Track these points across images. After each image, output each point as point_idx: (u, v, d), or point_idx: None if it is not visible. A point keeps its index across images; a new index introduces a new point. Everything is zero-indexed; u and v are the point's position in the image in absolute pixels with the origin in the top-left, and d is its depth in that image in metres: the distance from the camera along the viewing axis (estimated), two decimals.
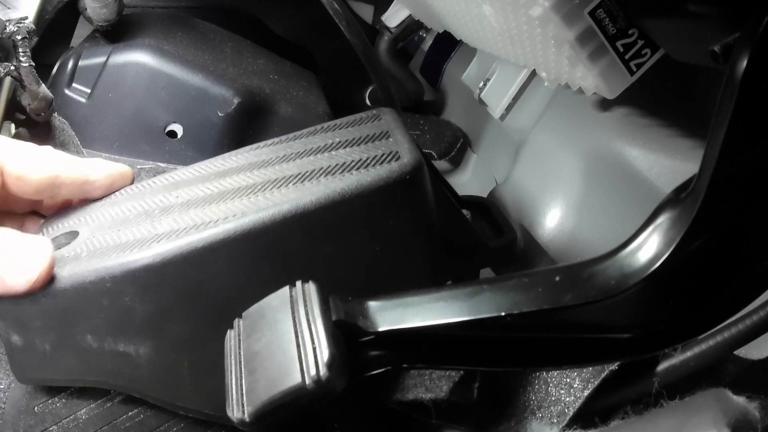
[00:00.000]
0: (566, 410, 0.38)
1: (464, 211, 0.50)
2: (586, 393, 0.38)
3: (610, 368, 0.38)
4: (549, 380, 0.40)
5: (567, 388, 0.39)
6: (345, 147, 0.41)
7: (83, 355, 0.36)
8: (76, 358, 0.37)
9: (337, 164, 0.39)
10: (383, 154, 0.38)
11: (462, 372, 0.37)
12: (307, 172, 0.38)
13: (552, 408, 0.39)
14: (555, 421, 0.38)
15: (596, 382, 0.38)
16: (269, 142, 0.44)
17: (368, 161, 0.38)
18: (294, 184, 0.37)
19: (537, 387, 0.40)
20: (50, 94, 0.55)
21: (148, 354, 0.36)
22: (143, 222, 0.38)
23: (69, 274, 0.35)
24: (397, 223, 0.38)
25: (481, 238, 0.47)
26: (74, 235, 0.39)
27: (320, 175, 0.38)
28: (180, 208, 0.38)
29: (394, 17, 0.78)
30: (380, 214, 0.37)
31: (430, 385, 0.37)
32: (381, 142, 0.40)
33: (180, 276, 0.34)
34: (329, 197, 0.36)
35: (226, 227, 0.34)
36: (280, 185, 0.38)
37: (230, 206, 0.36)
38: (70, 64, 0.61)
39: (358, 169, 0.37)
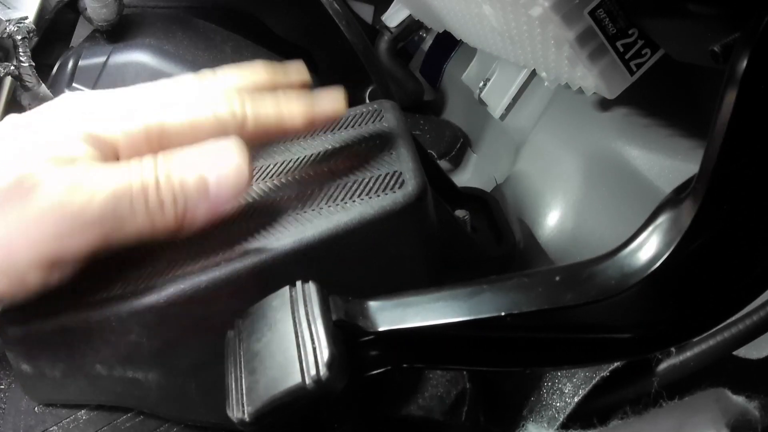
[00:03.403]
0: (557, 415, 0.38)
1: (463, 211, 0.50)
2: (577, 399, 0.38)
3: (602, 375, 0.38)
4: (541, 385, 0.40)
5: (559, 394, 0.39)
6: (345, 159, 0.40)
7: (93, 381, 0.37)
8: (86, 384, 0.37)
9: (338, 184, 0.38)
10: (387, 175, 0.38)
11: (453, 395, 0.38)
12: (307, 193, 0.38)
13: (543, 413, 0.39)
14: (546, 425, 0.38)
15: (587, 389, 0.38)
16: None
17: (370, 185, 0.37)
18: (294, 210, 0.37)
19: (529, 392, 0.40)
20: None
21: (157, 379, 0.36)
22: (141, 247, 0.37)
23: (73, 313, 0.35)
24: (399, 251, 0.38)
25: (480, 250, 0.47)
26: None
27: (321, 201, 0.37)
28: None
29: (394, 17, 0.78)
30: (382, 245, 0.37)
31: (423, 404, 0.38)
32: (384, 156, 0.39)
33: (184, 313, 0.34)
34: (331, 232, 0.35)
35: (229, 268, 0.34)
36: (279, 211, 0.37)
37: (230, 240, 0.36)
38: (70, 64, 0.61)
39: (360, 195, 0.37)
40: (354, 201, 0.36)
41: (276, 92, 0.38)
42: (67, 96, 0.36)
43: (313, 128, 0.39)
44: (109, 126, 0.34)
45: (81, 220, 0.31)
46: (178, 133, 0.34)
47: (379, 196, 0.36)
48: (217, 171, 0.33)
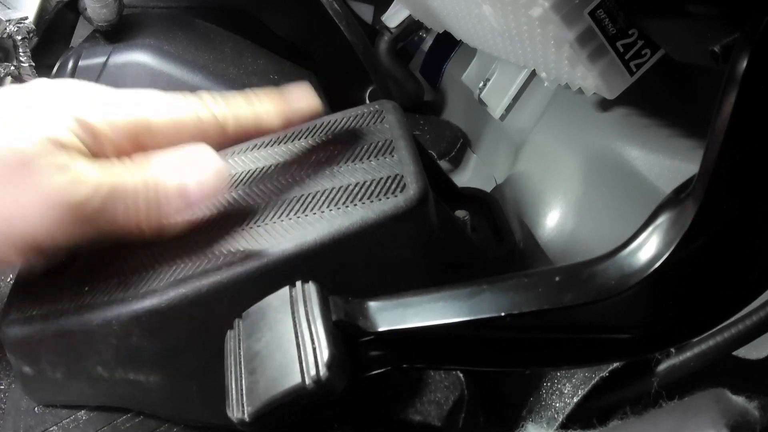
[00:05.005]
0: (556, 416, 0.38)
1: (463, 211, 0.50)
2: (576, 399, 0.38)
3: (601, 375, 0.38)
4: (541, 386, 0.40)
5: (558, 395, 0.39)
6: (347, 161, 0.40)
7: (94, 382, 0.37)
8: (87, 385, 0.37)
9: (340, 187, 0.38)
10: (388, 178, 0.38)
11: (451, 401, 0.38)
12: (309, 195, 0.38)
13: (543, 413, 0.39)
14: (545, 426, 0.38)
15: (586, 389, 0.38)
16: (268, 139, 0.44)
17: (372, 188, 0.37)
18: (296, 213, 0.37)
19: (529, 392, 0.40)
20: None
21: (158, 382, 0.36)
22: (142, 248, 0.37)
23: (75, 315, 0.35)
24: (400, 255, 0.38)
25: (480, 251, 0.47)
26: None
27: (323, 204, 0.37)
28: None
29: (394, 17, 0.78)
30: (383, 249, 0.37)
31: (420, 408, 0.38)
32: (385, 158, 0.39)
33: (185, 317, 0.34)
34: (333, 236, 0.35)
35: (230, 272, 0.34)
36: (282, 213, 0.37)
37: (232, 244, 0.36)
38: (70, 64, 0.61)
39: (361, 199, 0.37)
40: (356, 205, 0.36)
41: (248, 94, 0.40)
42: (62, 81, 0.38)
43: (290, 127, 0.41)
44: (98, 115, 0.35)
45: (81, 213, 0.32)
46: (161, 130, 0.36)
47: (380, 200, 0.36)
48: (197, 176, 0.35)
